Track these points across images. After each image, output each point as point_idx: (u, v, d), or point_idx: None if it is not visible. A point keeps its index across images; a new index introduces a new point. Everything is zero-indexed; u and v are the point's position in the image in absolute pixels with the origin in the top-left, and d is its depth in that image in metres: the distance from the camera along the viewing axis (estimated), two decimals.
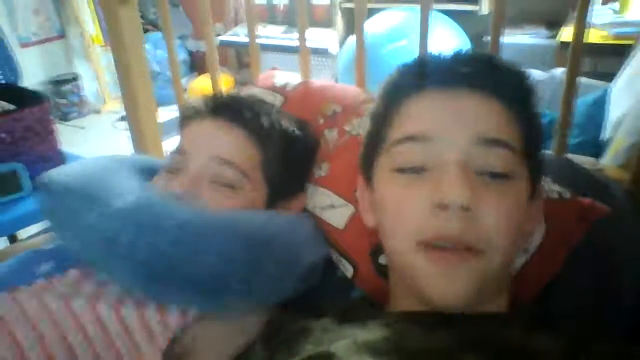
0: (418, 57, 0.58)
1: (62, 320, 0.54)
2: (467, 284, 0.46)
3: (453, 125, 0.49)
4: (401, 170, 0.50)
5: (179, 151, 0.67)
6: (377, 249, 0.65)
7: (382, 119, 0.55)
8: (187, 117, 0.70)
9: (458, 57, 0.53)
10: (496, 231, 0.46)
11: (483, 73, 0.51)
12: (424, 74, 0.53)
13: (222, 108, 0.68)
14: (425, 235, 0.47)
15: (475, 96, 0.50)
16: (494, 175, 0.48)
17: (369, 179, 0.57)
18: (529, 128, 0.52)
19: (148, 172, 0.71)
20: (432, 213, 0.46)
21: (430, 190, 0.47)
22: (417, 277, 0.48)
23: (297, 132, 0.71)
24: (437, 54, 0.55)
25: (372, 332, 0.48)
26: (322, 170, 0.75)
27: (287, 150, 0.69)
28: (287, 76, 0.92)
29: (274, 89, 0.88)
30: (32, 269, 0.60)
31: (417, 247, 0.47)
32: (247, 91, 0.88)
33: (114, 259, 0.55)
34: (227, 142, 0.65)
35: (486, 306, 0.50)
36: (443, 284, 0.46)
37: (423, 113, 0.51)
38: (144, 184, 0.64)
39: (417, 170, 0.49)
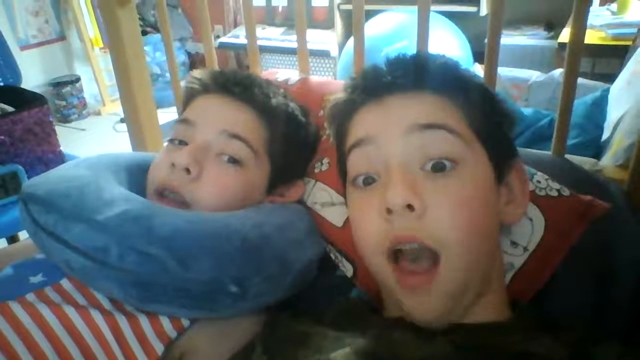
0: (348, 78, 0.59)
1: (57, 330, 0.53)
2: (438, 300, 0.47)
3: (387, 127, 0.50)
4: (355, 183, 0.52)
5: (185, 121, 0.65)
6: None
7: (339, 142, 0.58)
8: (193, 90, 0.69)
9: (387, 65, 0.55)
10: (451, 222, 0.46)
11: (410, 74, 0.52)
12: (355, 94, 0.55)
13: (232, 85, 0.67)
14: (386, 244, 0.48)
15: (405, 96, 0.52)
16: (440, 166, 0.48)
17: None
18: (475, 110, 0.52)
19: (136, 170, 0.69)
20: (384, 221, 0.48)
21: (379, 199, 0.48)
22: (394, 294, 0.49)
23: (300, 117, 0.72)
24: (368, 66, 0.57)
25: (370, 340, 0.48)
26: (322, 165, 0.75)
27: (292, 132, 0.70)
28: (289, 73, 0.93)
29: (275, 83, 0.88)
30: (25, 281, 0.58)
31: (386, 260, 0.48)
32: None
33: (104, 271, 0.54)
34: (237, 118, 0.65)
35: (479, 310, 0.50)
36: (417, 305, 0.47)
37: (362, 126, 0.53)
38: (127, 192, 0.61)
39: (367, 182, 0.51)
